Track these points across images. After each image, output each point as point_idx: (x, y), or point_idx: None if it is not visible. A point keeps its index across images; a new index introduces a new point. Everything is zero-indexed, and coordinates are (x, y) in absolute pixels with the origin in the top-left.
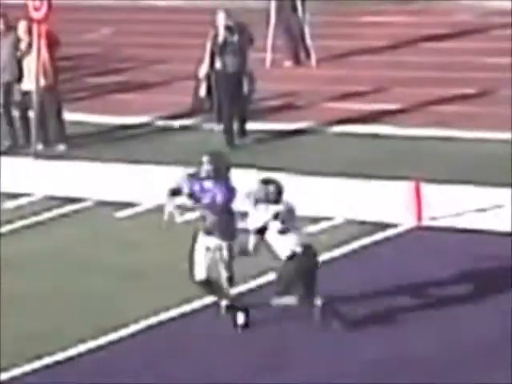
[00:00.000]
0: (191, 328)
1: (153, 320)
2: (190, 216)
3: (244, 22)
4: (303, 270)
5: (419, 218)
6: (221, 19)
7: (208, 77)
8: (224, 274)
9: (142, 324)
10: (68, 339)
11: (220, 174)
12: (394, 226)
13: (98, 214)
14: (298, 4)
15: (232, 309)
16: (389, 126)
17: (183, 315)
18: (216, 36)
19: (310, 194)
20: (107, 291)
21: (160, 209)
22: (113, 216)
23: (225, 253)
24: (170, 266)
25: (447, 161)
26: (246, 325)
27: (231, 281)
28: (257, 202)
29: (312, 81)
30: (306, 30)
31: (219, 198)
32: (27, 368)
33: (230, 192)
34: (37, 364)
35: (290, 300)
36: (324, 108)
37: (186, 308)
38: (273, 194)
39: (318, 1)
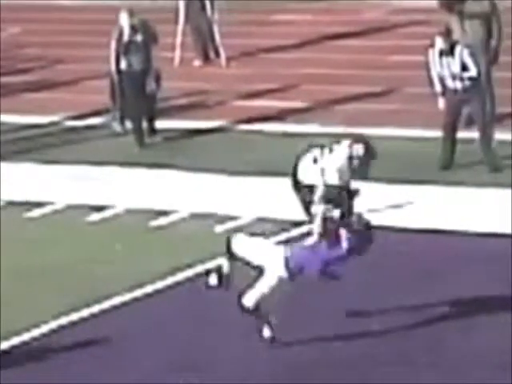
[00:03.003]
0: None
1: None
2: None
3: (147, 20)
4: None
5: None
6: (124, 19)
7: (110, 77)
8: None
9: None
10: None
11: None
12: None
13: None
14: (207, 3)
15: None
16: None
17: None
18: (120, 35)
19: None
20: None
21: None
22: (21, 217)
23: None
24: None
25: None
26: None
27: None
28: None
29: (222, 79)
30: (215, 29)
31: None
32: None
33: None
34: None
35: None
36: (234, 106)
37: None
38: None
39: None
